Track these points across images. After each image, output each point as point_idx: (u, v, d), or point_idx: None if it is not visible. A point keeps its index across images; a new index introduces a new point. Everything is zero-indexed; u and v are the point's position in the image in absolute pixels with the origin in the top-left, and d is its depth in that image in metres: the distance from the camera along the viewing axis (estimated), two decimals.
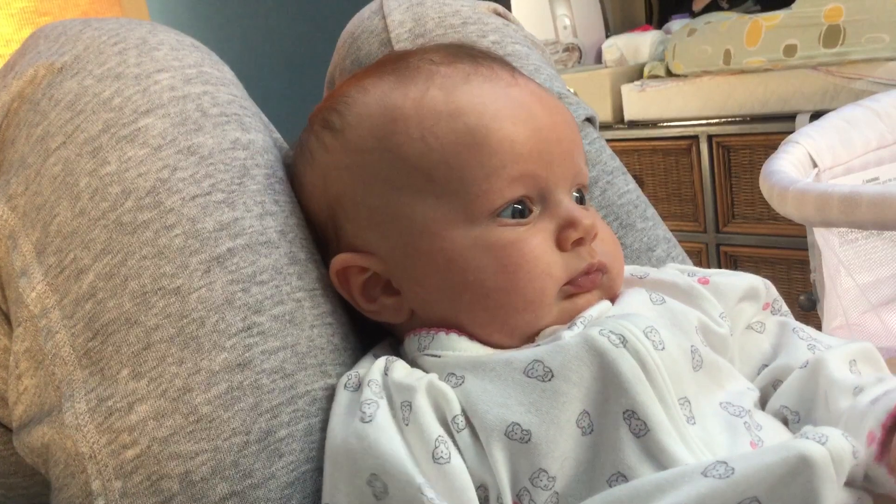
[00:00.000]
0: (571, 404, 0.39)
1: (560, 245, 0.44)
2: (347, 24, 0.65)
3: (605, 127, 1.68)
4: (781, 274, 1.52)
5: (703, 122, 1.57)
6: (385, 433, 0.38)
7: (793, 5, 1.42)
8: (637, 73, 1.73)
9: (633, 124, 1.67)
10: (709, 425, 0.40)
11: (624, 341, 0.39)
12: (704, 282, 0.49)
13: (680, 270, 0.51)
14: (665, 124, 1.63)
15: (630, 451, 0.37)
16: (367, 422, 0.39)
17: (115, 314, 0.43)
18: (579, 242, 0.45)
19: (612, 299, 0.46)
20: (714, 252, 1.62)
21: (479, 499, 0.38)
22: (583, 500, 0.37)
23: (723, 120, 1.55)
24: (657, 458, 0.37)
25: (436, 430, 0.39)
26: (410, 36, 0.61)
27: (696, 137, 1.59)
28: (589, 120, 0.65)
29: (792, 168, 0.91)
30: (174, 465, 0.41)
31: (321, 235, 0.50)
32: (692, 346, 0.42)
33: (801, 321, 0.51)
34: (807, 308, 1.27)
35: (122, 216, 0.45)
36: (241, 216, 0.47)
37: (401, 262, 0.46)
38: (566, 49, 1.92)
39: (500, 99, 0.45)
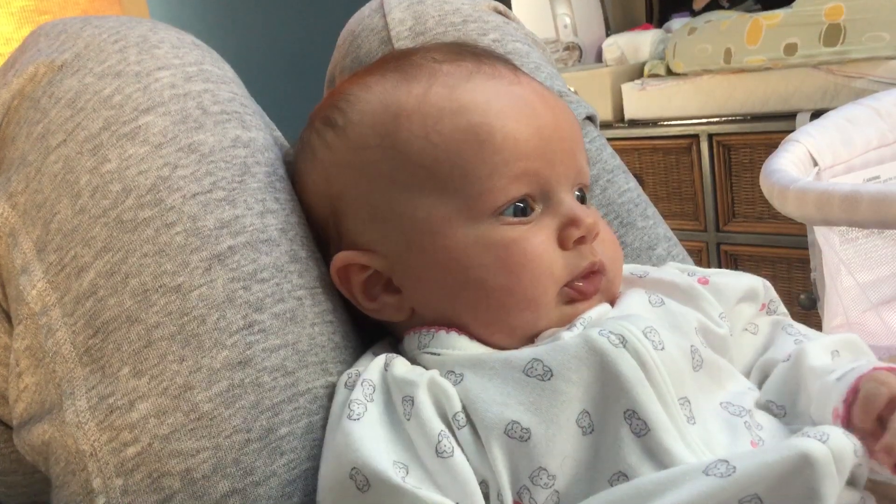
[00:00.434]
0: (571, 404, 0.39)
1: (562, 243, 0.45)
2: (348, 23, 0.65)
3: (605, 126, 1.68)
4: (782, 273, 1.52)
5: (704, 120, 1.57)
6: (370, 430, 0.39)
7: (793, 4, 1.42)
8: (637, 72, 1.72)
9: (634, 123, 1.67)
10: (709, 425, 0.40)
11: (624, 341, 0.39)
12: (704, 282, 0.49)
13: (680, 270, 0.51)
14: (665, 123, 1.63)
15: (631, 451, 0.38)
16: (353, 419, 0.39)
17: (115, 312, 0.43)
18: (581, 241, 0.45)
19: (611, 301, 0.47)
20: (714, 251, 1.62)
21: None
22: (584, 499, 0.37)
23: (723, 119, 1.55)
24: (658, 457, 0.37)
25: (438, 424, 0.39)
26: (411, 34, 0.61)
27: (696, 136, 1.59)
28: (589, 118, 0.65)
29: (792, 167, 0.91)
30: (175, 462, 0.41)
31: (322, 233, 0.50)
32: (692, 346, 0.42)
33: (802, 320, 0.52)
34: (807, 307, 1.27)
35: (123, 214, 0.45)
36: (241, 214, 0.47)
37: (402, 259, 0.46)
38: (566, 48, 1.92)
39: (502, 97, 0.45)
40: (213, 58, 0.54)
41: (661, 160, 1.66)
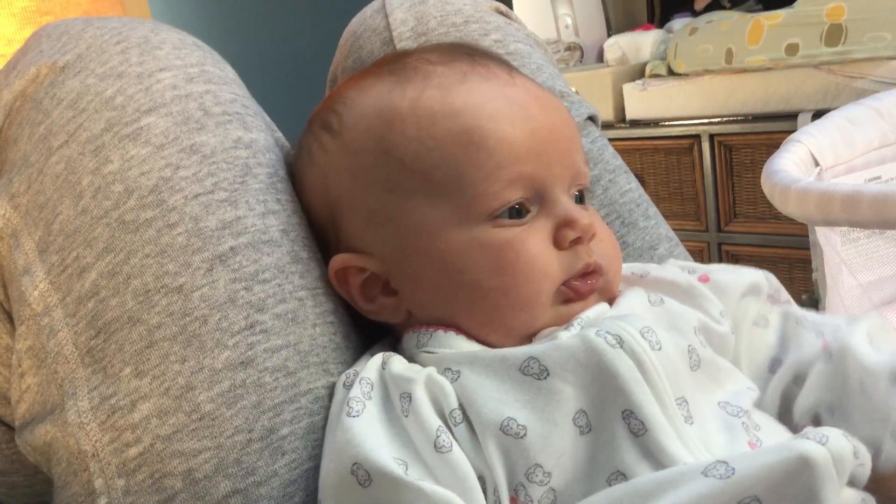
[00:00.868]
0: (567, 403, 0.39)
1: (557, 244, 0.44)
2: (350, 23, 0.65)
3: (606, 126, 1.68)
4: (783, 273, 1.52)
5: (705, 121, 1.57)
6: (369, 426, 0.39)
7: (794, 4, 1.42)
8: (639, 72, 1.72)
9: (635, 123, 1.67)
10: (707, 425, 0.40)
11: (620, 342, 0.39)
12: (705, 279, 0.49)
13: (680, 267, 0.51)
14: (667, 123, 1.63)
15: (629, 451, 0.38)
16: (353, 416, 0.40)
17: (117, 312, 0.43)
18: (577, 241, 0.45)
19: (610, 301, 0.46)
20: (716, 251, 1.62)
21: None
22: (582, 497, 0.37)
23: (724, 119, 1.55)
24: (656, 457, 0.37)
25: (435, 420, 0.39)
26: (412, 35, 0.61)
27: (697, 136, 1.59)
28: (591, 119, 0.65)
29: (794, 167, 0.91)
30: (177, 463, 0.41)
31: (322, 235, 0.51)
32: (689, 345, 0.42)
33: None
34: (808, 307, 1.27)
35: (125, 215, 0.45)
36: (243, 215, 0.47)
37: (399, 262, 0.46)
38: (568, 48, 1.92)
39: (497, 99, 0.45)
40: (214, 59, 0.54)
41: (662, 160, 1.66)
